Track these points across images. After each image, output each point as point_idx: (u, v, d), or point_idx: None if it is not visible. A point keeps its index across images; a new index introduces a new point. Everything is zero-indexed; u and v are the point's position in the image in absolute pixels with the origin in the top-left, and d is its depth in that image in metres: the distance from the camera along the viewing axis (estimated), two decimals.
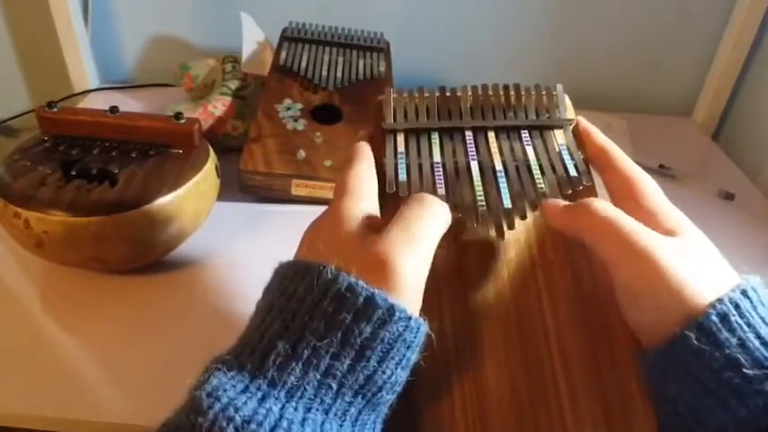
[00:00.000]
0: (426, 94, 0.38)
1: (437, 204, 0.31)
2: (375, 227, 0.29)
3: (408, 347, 0.26)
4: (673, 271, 0.27)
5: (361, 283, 0.25)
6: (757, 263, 0.62)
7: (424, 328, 0.27)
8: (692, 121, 0.94)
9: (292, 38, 0.79)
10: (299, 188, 0.65)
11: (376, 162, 0.34)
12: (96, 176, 0.51)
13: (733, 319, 0.26)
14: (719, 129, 0.93)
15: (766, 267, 0.61)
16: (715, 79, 0.89)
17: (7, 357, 0.46)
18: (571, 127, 0.38)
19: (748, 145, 0.86)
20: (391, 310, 0.25)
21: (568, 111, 0.38)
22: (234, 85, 0.75)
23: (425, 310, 0.28)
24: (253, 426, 0.22)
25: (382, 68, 0.78)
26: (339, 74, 0.75)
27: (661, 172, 0.76)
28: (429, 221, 0.29)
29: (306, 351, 0.24)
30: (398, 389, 0.27)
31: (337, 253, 0.27)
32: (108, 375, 0.45)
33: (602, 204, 0.30)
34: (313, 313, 0.25)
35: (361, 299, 0.25)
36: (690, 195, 0.73)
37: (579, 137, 0.37)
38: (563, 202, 0.33)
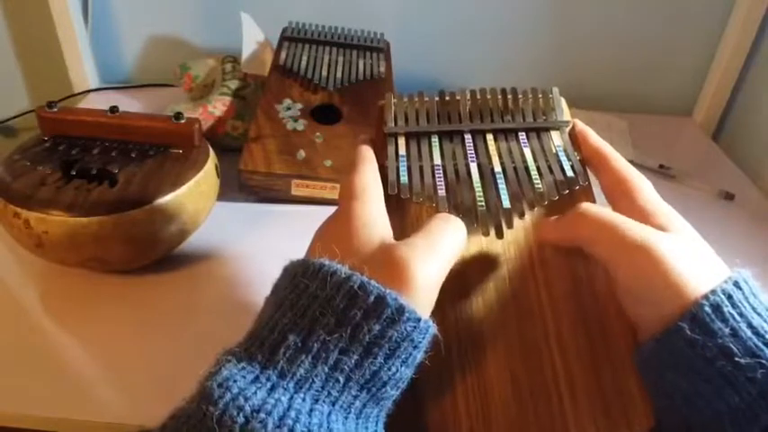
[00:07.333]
0: (426, 99, 0.39)
1: (459, 225, 0.32)
2: (386, 228, 0.30)
3: (415, 347, 0.27)
4: (670, 265, 0.28)
5: (373, 282, 0.26)
6: (757, 263, 0.62)
7: (433, 329, 0.27)
8: (692, 121, 0.94)
9: (292, 38, 0.79)
10: (298, 188, 0.65)
11: (378, 165, 0.35)
12: (96, 176, 0.51)
13: (726, 309, 0.27)
14: (719, 129, 0.93)
15: (766, 267, 0.61)
16: (715, 79, 0.89)
17: (7, 357, 0.46)
18: (567, 129, 0.39)
19: (748, 145, 0.86)
20: (401, 309, 0.26)
21: (565, 113, 0.39)
22: (234, 85, 0.75)
23: None
24: (262, 415, 0.22)
25: (382, 69, 0.78)
26: (339, 74, 0.75)
27: (661, 172, 0.76)
28: (451, 238, 0.30)
29: (315, 345, 0.25)
30: (403, 385, 0.27)
31: (351, 254, 0.28)
32: (108, 375, 0.45)
33: (593, 207, 0.31)
34: (324, 309, 0.26)
35: (372, 297, 0.25)
36: (690, 195, 0.73)
37: (576, 138, 0.38)
38: (554, 218, 0.34)
